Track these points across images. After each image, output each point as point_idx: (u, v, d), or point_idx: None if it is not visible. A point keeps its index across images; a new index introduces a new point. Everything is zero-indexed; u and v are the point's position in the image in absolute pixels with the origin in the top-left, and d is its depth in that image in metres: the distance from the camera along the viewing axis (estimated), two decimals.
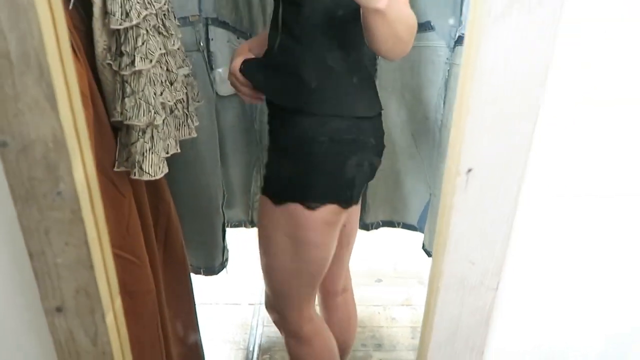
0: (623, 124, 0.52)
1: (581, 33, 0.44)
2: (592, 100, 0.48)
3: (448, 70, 1.77)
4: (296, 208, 1.13)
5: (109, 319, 0.57)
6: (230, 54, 1.70)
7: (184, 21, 1.54)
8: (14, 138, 0.46)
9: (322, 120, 1.12)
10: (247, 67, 1.22)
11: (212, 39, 1.67)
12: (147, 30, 0.98)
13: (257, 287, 2.36)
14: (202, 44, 1.63)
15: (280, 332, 1.42)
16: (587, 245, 0.58)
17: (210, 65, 1.70)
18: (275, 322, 1.41)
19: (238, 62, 1.24)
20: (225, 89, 1.76)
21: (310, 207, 1.13)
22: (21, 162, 0.47)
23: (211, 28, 1.66)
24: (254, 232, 1.60)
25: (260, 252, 1.29)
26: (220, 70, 1.75)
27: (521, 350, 0.64)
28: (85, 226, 0.50)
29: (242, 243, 2.13)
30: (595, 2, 0.43)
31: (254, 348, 2.13)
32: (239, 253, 2.09)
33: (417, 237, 2.12)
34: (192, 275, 1.78)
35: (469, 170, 0.48)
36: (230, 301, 2.35)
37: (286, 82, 1.15)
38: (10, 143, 0.46)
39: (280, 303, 1.33)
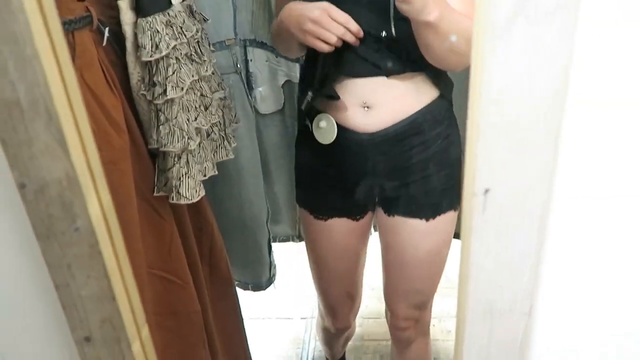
0: None
1: (599, 38, 0.40)
2: (616, 103, 0.43)
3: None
4: (453, 215, 1.21)
5: (135, 347, 0.58)
6: (269, 73, 1.73)
7: (221, 45, 1.58)
8: (30, 180, 0.48)
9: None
10: None
11: (250, 60, 1.71)
12: (177, 60, 1.01)
13: (308, 301, 2.36)
14: (239, 66, 1.66)
15: (406, 336, 1.40)
16: (625, 257, 0.53)
17: (249, 85, 1.73)
18: (404, 329, 1.38)
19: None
20: (266, 107, 1.79)
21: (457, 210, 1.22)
22: (39, 202, 0.49)
23: (249, 49, 1.69)
24: (302, 246, 1.61)
25: (411, 273, 1.27)
26: (260, 89, 1.78)
27: None
28: (104, 259, 0.52)
29: (291, 257, 2.15)
30: (610, 5, 0.39)
31: None
32: (288, 267, 2.10)
33: None
34: (242, 291, 1.81)
35: (487, 191, 0.44)
36: (282, 315, 2.36)
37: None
38: (28, 184, 0.48)
39: (427, 300, 1.36)
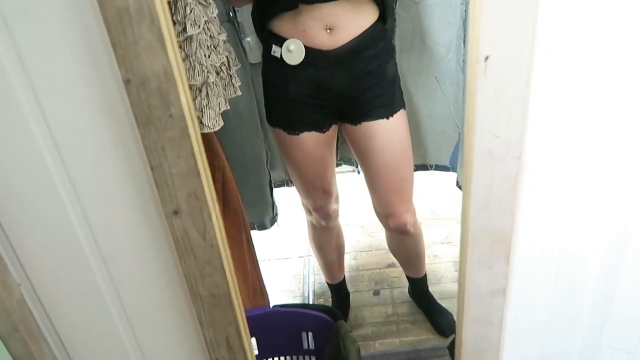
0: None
1: None
2: None
3: (465, 11, 1.85)
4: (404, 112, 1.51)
5: (214, 217, 0.73)
6: None
7: None
8: (135, 75, 0.61)
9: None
10: None
11: (237, 10, 1.80)
12: (192, 0, 1.12)
13: (304, 240, 2.54)
14: (231, 15, 1.76)
15: (407, 228, 1.65)
16: (598, 110, 0.69)
17: (240, 35, 1.83)
18: (407, 224, 1.64)
19: None
20: (254, 56, 1.89)
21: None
22: (141, 94, 0.63)
23: None
24: (293, 191, 1.79)
25: (399, 160, 1.53)
26: (248, 39, 1.88)
27: (549, 211, 0.76)
28: (191, 141, 0.66)
29: (286, 201, 2.30)
30: None
31: (308, 294, 2.31)
32: (284, 212, 2.26)
33: (449, 177, 2.24)
34: None
35: (487, 58, 0.60)
36: (281, 256, 2.53)
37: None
38: (132, 79, 0.62)
39: (410, 196, 1.62)
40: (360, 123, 1.48)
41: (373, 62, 1.42)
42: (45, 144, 0.70)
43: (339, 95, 1.44)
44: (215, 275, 0.76)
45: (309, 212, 1.81)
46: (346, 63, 1.38)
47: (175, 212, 0.71)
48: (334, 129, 1.57)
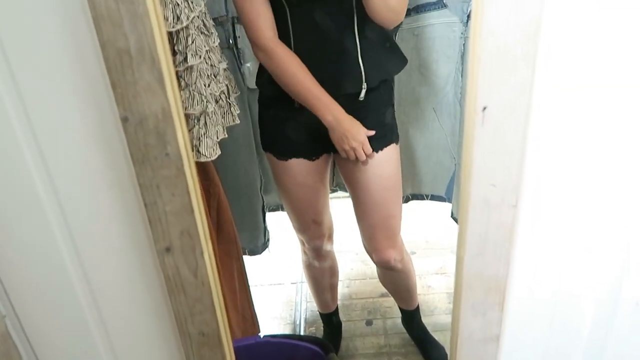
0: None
1: None
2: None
3: (463, 45, 1.87)
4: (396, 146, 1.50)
5: (206, 255, 0.72)
6: None
7: (215, 21, 1.69)
8: (132, 114, 0.61)
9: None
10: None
11: (239, 37, 1.82)
12: (194, 31, 1.13)
13: (297, 266, 2.52)
14: (230, 42, 1.78)
15: (389, 267, 1.63)
16: (598, 162, 0.70)
17: (239, 61, 1.85)
18: (390, 261, 1.61)
19: (359, 128, 1.37)
20: (254, 82, 1.90)
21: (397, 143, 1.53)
22: (138, 133, 0.62)
23: (237, 26, 1.80)
24: (287, 216, 1.78)
25: (385, 195, 1.50)
26: (248, 65, 1.89)
27: (545, 259, 0.76)
28: (186, 179, 0.65)
29: (280, 226, 2.29)
30: None
31: (300, 322, 2.28)
32: (277, 237, 2.24)
33: (445, 208, 2.24)
34: None
35: (484, 108, 0.60)
36: (274, 282, 2.50)
37: (387, 59, 1.44)
38: (130, 118, 0.61)
39: (396, 233, 1.59)
40: None
41: (368, 95, 1.41)
42: (39, 176, 0.70)
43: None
44: (206, 314, 0.74)
45: (303, 244, 1.80)
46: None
47: (168, 249, 0.70)
48: (324, 159, 1.55)
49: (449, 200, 2.18)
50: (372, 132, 1.39)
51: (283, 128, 1.47)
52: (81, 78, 0.62)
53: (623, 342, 0.84)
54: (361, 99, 1.39)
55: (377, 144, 1.44)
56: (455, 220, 2.13)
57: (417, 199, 2.22)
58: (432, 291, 2.38)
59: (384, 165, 1.46)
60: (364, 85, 1.37)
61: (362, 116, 1.41)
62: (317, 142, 1.51)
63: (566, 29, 0.61)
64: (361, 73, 1.36)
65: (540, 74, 0.60)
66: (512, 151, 0.64)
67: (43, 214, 0.71)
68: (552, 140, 0.67)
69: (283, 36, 1.34)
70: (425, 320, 2.09)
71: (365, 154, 1.39)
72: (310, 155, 1.51)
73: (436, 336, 2.04)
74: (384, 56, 1.44)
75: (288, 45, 1.34)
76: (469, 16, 1.79)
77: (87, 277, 0.76)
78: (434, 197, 2.25)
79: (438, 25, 1.84)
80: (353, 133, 1.36)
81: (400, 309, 2.01)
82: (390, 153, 1.47)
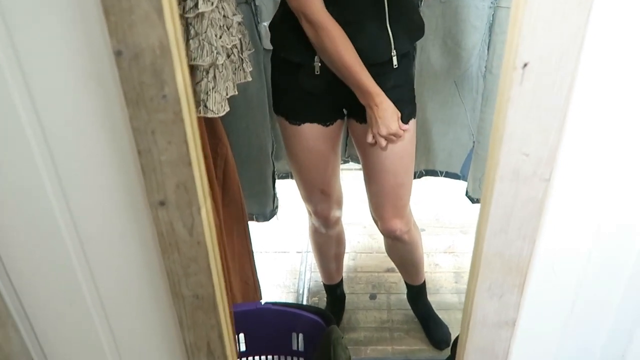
0: None
1: None
2: None
3: (492, 15, 1.77)
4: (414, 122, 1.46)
5: (203, 212, 0.66)
6: (274, 8, 1.76)
7: None
8: (127, 47, 0.54)
9: None
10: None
11: None
12: None
13: (304, 235, 2.47)
14: None
15: (397, 236, 1.60)
16: (638, 136, 0.62)
17: (256, 19, 1.76)
18: (395, 231, 1.58)
19: (387, 106, 1.31)
20: (269, 42, 1.82)
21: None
22: (133, 69, 0.56)
23: None
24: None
25: (398, 163, 1.46)
26: (265, 24, 1.80)
27: (573, 241, 0.69)
28: (185, 126, 0.59)
29: (289, 194, 2.24)
30: None
31: (303, 291, 2.25)
32: (285, 205, 2.19)
33: (458, 186, 2.16)
34: None
35: (525, 65, 0.53)
36: (279, 249, 2.47)
37: (412, 26, 1.37)
38: (124, 51, 0.55)
39: (405, 204, 1.56)
40: (365, 122, 1.41)
41: (399, 62, 1.35)
42: (26, 112, 0.64)
43: (349, 91, 1.37)
44: (200, 275, 0.69)
45: (310, 214, 1.75)
46: None
47: (162, 203, 0.64)
48: (338, 125, 1.50)
49: (464, 179, 2.11)
50: (407, 127, 1.36)
51: (299, 92, 1.41)
52: (71, 2, 0.55)
53: None
54: (395, 67, 1.34)
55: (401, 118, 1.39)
56: (470, 199, 2.06)
57: (431, 175, 2.16)
58: (439, 269, 2.33)
59: (401, 139, 1.40)
60: (394, 52, 1.32)
61: (385, 87, 1.34)
62: (333, 107, 1.46)
63: None
64: (390, 39, 1.31)
65: (594, 27, 0.52)
66: (552, 117, 0.56)
67: (30, 154, 0.65)
68: (595, 107, 0.60)
69: None
70: (430, 298, 2.05)
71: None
72: (325, 121, 1.46)
73: (440, 315, 2.01)
74: (410, 21, 1.38)
75: None
76: None
77: (76, 224, 0.71)
78: (448, 175, 2.18)
79: None
80: (385, 120, 1.31)
81: (406, 283, 1.97)
82: (410, 127, 1.42)
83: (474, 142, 2.00)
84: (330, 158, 1.54)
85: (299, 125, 1.45)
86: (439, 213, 2.68)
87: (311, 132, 1.46)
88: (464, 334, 0.76)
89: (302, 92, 1.39)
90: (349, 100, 1.39)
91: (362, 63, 1.28)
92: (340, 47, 1.25)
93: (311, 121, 1.44)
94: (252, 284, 1.72)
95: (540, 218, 0.64)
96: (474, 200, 2.09)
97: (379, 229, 1.63)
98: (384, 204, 1.52)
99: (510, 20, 0.52)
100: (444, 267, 2.35)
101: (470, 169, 2.05)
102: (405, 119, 1.37)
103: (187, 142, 0.60)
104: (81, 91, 0.61)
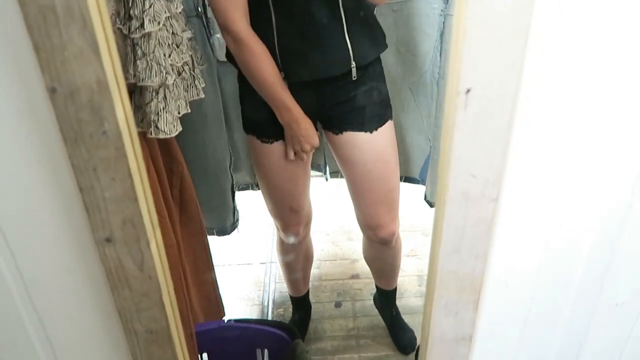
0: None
1: None
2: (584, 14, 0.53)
3: (443, 22, 1.80)
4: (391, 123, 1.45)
5: (153, 246, 0.64)
6: None
7: None
8: (61, 84, 0.52)
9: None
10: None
11: (208, 5, 1.70)
12: None
13: (267, 246, 2.45)
14: (199, 9, 1.66)
15: (392, 238, 1.60)
16: (580, 152, 0.64)
17: (208, 31, 1.73)
18: (394, 234, 1.59)
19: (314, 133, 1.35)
20: (223, 54, 1.79)
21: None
22: (69, 107, 0.53)
23: None
24: (258, 194, 1.71)
25: (384, 170, 1.46)
26: (218, 36, 1.78)
27: (523, 257, 0.71)
28: (128, 161, 0.57)
29: (250, 205, 2.21)
30: None
31: (268, 303, 2.23)
32: (247, 216, 2.17)
33: (419, 190, 2.19)
34: None
35: (468, 91, 0.54)
36: (242, 261, 2.44)
37: (372, 37, 1.36)
38: (59, 89, 0.52)
39: (397, 206, 1.57)
40: (342, 132, 1.41)
41: (360, 73, 1.34)
42: None
43: (320, 104, 1.36)
44: (154, 310, 0.67)
45: (278, 228, 1.73)
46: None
47: (108, 240, 0.62)
48: None
49: (423, 183, 2.14)
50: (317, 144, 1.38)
51: (268, 109, 1.37)
52: (2, 36, 0.52)
53: (600, 344, 0.80)
54: (355, 79, 1.33)
55: (375, 122, 1.39)
56: (429, 203, 2.09)
57: None
58: (403, 274, 2.35)
59: (382, 142, 1.42)
60: (353, 64, 1.31)
61: (355, 95, 1.35)
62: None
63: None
64: (349, 51, 1.30)
65: (532, 53, 0.54)
66: (497, 140, 0.57)
67: None
68: (537, 129, 0.61)
69: (264, 13, 1.25)
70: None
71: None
72: None
73: (405, 319, 2.02)
74: (370, 32, 1.37)
75: (269, 24, 1.25)
76: None
77: (17, 265, 0.67)
78: (407, 179, 2.20)
79: (417, 1, 1.75)
80: (308, 138, 1.34)
81: (378, 289, 1.97)
82: (388, 130, 1.43)
83: (430, 147, 2.03)
84: (300, 175, 1.52)
85: (271, 143, 1.43)
86: (400, 217, 2.71)
87: (282, 151, 1.43)
88: (423, 350, 0.77)
89: (270, 109, 1.36)
90: (322, 112, 1.38)
91: (282, 81, 1.28)
92: (260, 63, 1.25)
93: (283, 139, 1.41)
94: (214, 301, 1.69)
95: (490, 237, 0.65)
96: (432, 205, 2.12)
97: (372, 238, 1.61)
98: (381, 211, 1.51)
99: (452, 48, 0.53)
100: (407, 270, 2.38)
101: (428, 174, 2.08)
102: (380, 122, 1.38)
103: (131, 177, 0.58)
104: (17, 129, 0.58)
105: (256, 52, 1.24)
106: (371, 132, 1.39)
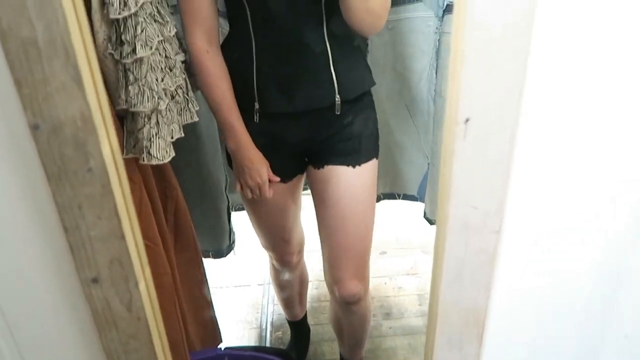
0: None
1: None
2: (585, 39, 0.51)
3: (438, 40, 1.80)
4: (375, 162, 1.34)
5: (142, 286, 0.61)
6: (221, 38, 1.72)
7: (174, 9, 1.56)
8: (44, 120, 0.50)
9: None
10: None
11: None
12: (144, 18, 1.01)
13: (264, 267, 2.42)
14: None
15: (356, 305, 1.42)
16: (584, 181, 0.62)
17: None
18: (356, 295, 1.39)
19: (261, 167, 1.27)
20: None
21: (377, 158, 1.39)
22: (52, 143, 0.51)
23: None
24: None
25: (358, 215, 1.33)
26: None
27: (527, 288, 0.69)
28: (115, 199, 0.54)
29: (246, 226, 2.18)
30: None
31: (266, 326, 2.19)
32: (244, 236, 2.14)
33: (417, 207, 2.17)
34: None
35: (467, 120, 0.52)
36: (240, 283, 2.40)
37: (356, 73, 1.28)
38: (42, 125, 0.50)
39: (366, 262, 1.40)
40: (323, 167, 1.33)
41: (345, 107, 1.26)
42: None
43: (299, 145, 1.32)
44: (142, 351, 0.64)
45: (271, 257, 1.70)
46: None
47: (95, 280, 0.59)
48: (298, 179, 1.43)
49: (421, 200, 2.12)
50: (277, 179, 1.30)
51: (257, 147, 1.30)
52: None
53: None
54: (338, 114, 1.25)
55: (356, 158, 1.30)
56: (428, 220, 2.07)
57: (389, 198, 2.16)
58: (403, 292, 2.32)
59: (360, 182, 1.31)
60: (337, 98, 1.23)
61: (338, 130, 1.28)
62: (291, 163, 1.38)
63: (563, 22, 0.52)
64: (334, 84, 1.22)
65: (532, 80, 0.52)
66: (497, 170, 0.55)
67: None
68: (540, 157, 0.59)
69: (244, 39, 1.22)
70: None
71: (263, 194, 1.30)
72: (284, 178, 1.36)
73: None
74: (358, 65, 1.30)
75: (249, 52, 1.21)
76: (444, 10, 1.72)
77: (2, 309, 0.64)
78: (406, 197, 2.19)
79: (413, 19, 1.75)
80: (252, 171, 1.26)
81: (340, 356, 1.75)
82: (369, 169, 1.31)
83: (428, 164, 2.02)
84: (290, 210, 1.47)
85: None
86: (398, 234, 2.68)
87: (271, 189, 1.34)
88: None
89: (259, 149, 1.29)
90: (306, 145, 1.32)
91: (235, 104, 1.22)
92: (212, 83, 1.21)
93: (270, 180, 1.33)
94: (210, 328, 1.65)
95: (493, 268, 0.63)
96: (432, 222, 2.10)
97: (334, 295, 1.42)
98: (343, 263, 1.34)
99: (449, 77, 0.51)
100: (407, 289, 2.35)
101: (426, 191, 2.06)
102: (363, 158, 1.29)
103: (118, 215, 0.55)
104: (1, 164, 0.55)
105: (210, 72, 1.21)
106: (354, 166, 1.30)
